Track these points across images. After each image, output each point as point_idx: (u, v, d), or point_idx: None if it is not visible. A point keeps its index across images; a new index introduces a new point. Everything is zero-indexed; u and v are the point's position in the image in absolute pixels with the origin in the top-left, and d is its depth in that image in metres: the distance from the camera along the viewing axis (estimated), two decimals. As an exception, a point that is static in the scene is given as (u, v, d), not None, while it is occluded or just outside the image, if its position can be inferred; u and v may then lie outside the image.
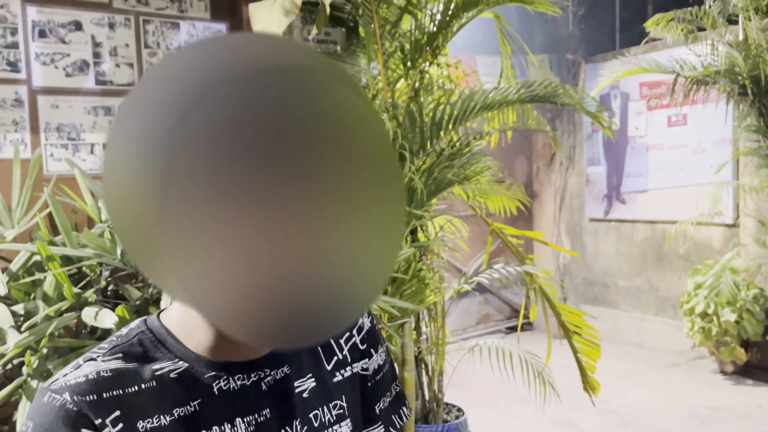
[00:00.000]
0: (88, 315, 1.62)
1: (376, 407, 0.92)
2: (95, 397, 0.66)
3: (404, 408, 0.96)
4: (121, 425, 0.66)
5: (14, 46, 2.24)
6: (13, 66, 2.25)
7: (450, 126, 2.35)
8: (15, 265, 1.82)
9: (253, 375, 0.75)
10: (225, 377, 0.73)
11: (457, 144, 2.60)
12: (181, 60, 0.50)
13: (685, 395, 4.39)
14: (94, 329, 1.79)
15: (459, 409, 2.98)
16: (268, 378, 0.77)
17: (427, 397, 2.86)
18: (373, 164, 0.50)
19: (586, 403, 4.17)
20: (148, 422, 0.68)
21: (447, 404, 3.03)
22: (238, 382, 0.74)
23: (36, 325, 1.60)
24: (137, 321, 0.76)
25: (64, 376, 0.68)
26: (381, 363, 0.93)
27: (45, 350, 1.64)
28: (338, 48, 2.74)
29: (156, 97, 0.48)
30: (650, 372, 4.89)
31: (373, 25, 2.33)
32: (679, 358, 5.12)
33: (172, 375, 0.71)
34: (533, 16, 4.61)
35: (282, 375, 0.78)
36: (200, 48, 0.51)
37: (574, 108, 2.36)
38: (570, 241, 5.96)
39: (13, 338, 1.58)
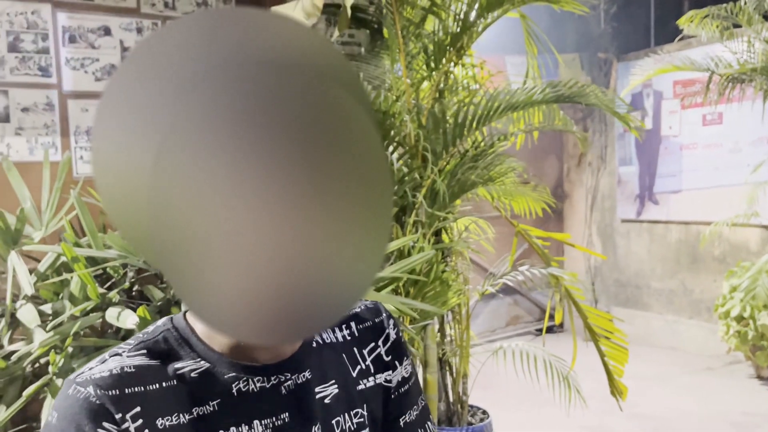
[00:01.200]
0: (112, 315, 1.65)
1: (401, 420, 0.90)
2: (117, 392, 0.67)
3: (429, 422, 0.95)
4: (140, 421, 0.67)
5: (45, 51, 2.30)
6: (45, 71, 2.30)
7: (473, 127, 2.34)
8: (43, 266, 1.87)
9: (273, 378, 0.75)
10: (245, 379, 0.73)
11: (482, 145, 2.58)
12: (179, 39, 0.49)
13: (720, 400, 4.29)
14: (119, 329, 1.82)
15: (484, 412, 2.96)
16: (289, 382, 0.77)
17: (451, 400, 2.85)
18: (362, 162, 0.50)
19: (617, 407, 4.10)
20: (167, 420, 0.69)
21: (472, 406, 3.01)
22: (258, 385, 0.74)
23: (61, 325, 1.64)
24: (164, 319, 0.77)
25: (90, 369, 0.69)
26: (406, 376, 0.92)
27: (71, 349, 1.68)
28: (362, 50, 2.74)
29: (153, 77, 0.48)
30: (684, 376, 4.80)
31: (395, 27, 2.33)
32: (714, 362, 5.00)
33: (192, 374, 0.72)
34: (564, 15, 4.56)
35: (303, 380, 0.78)
36: (202, 25, 0.49)
37: (601, 108, 2.32)
38: (601, 242, 5.88)
39: (40, 337, 1.62)
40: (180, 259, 0.48)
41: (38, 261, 1.99)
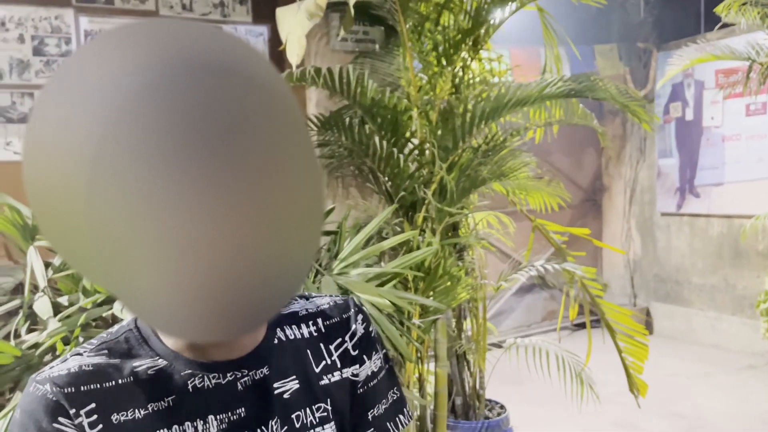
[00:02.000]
0: (117, 308, 1.73)
1: (369, 414, 0.92)
2: (73, 390, 0.72)
3: (401, 416, 0.96)
4: (95, 416, 0.72)
5: (68, 54, 2.41)
6: (68, 73, 2.41)
7: (482, 123, 2.34)
8: (58, 259, 1.97)
9: (229, 374, 0.78)
10: (200, 375, 0.77)
11: (499, 138, 2.57)
12: (113, 47, 0.51)
13: (760, 400, 4.16)
14: (128, 320, 1.90)
15: (502, 406, 2.96)
16: (245, 378, 0.79)
17: (468, 394, 2.86)
18: (290, 158, 0.52)
19: (651, 405, 4.02)
20: (122, 415, 0.73)
21: (490, 401, 3.01)
22: (213, 381, 0.77)
23: (70, 316, 1.74)
24: (129, 319, 0.81)
25: (50, 368, 0.74)
26: (375, 370, 0.94)
27: (81, 339, 1.77)
28: (377, 47, 2.76)
29: (89, 85, 0.49)
30: (724, 375, 4.66)
31: (401, 24, 2.34)
32: (757, 360, 4.85)
33: (149, 372, 0.75)
34: (606, 5, 4.47)
35: (261, 375, 0.81)
36: (133, 36, 0.51)
37: (610, 102, 2.29)
38: (641, 236, 5.75)
39: (52, 328, 1.72)
40: (118, 263, 0.49)
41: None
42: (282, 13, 2.05)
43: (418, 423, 2.55)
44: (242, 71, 0.50)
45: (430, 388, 2.56)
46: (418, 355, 2.41)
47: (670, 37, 5.39)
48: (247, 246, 0.49)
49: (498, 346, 3.35)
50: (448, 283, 2.35)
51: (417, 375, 2.47)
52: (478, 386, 2.86)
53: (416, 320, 2.25)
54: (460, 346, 2.80)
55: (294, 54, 1.96)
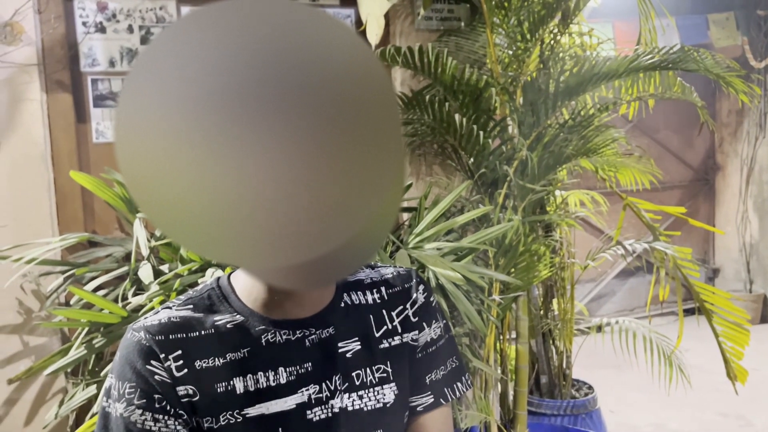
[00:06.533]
0: (208, 275, 1.88)
1: (426, 378, 0.99)
2: (163, 338, 0.83)
3: (459, 383, 1.02)
4: (181, 362, 0.83)
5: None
6: (172, 60, 2.59)
7: (567, 98, 2.29)
8: (159, 230, 2.15)
9: (298, 332, 0.87)
10: (273, 331, 0.86)
11: (588, 113, 2.51)
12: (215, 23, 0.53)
13: None
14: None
15: (590, 387, 2.92)
16: (313, 336, 0.88)
17: (553, 373, 2.84)
18: (376, 134, 0.53)
19: (763, 397, 3.81)
20: (204, 362, 0.84)
21: (577, 381, 2.97)
22: (284, 337, 0.87)
23: (167, 281, 1.90)
24: (212, 279, 0.92)
25: (145, 318, 0.86)
26: (434, 337, 1.00)
27: (177, 303, 1.94)
28: (462, 24, 2.76)
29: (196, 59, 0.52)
30: None
31: (483, 1, 2.33)
32: None
33: (228, 326, 0.86)
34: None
35: (327, 335, 0.89)
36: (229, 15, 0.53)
37: (703, 73, 2.17)
38: (758, 218, 5.38)
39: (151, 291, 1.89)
40: (220, 221, 0.52)
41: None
42: (363, -6, 2.11)
43: (500, 398, 2.57)
44: (332, 44, 0.52)
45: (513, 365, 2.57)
46: (498, 331, 2.42)
47: (796, 2, 4.98)
48: (335, 210, 0.52)
49: (594, 330, 3.27)
50: (531, 260, 2.34)
51: (499, 351, 2.48)
52: (564, 366, 2.83)
53: (496, 296, 2.27)
54: (545, 324, 2.79)
55: (373, 34, 2.02)
